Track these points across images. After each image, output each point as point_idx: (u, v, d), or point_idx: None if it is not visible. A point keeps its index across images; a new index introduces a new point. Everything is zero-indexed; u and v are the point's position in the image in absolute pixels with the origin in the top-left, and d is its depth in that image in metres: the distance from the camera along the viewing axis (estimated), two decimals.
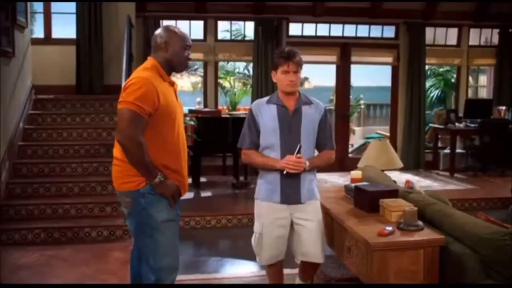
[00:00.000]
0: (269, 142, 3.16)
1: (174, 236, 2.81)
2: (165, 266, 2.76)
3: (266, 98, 3.30)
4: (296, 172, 3.08)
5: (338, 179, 6.95)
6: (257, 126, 3.20)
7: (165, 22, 8.11)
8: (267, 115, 3.18)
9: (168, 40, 2.79)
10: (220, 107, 9.25)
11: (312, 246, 3.19)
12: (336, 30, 8.75)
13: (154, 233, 2.73)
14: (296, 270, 3.53)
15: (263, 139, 3.19)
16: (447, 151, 8.75)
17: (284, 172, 3.07)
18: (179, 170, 2.82)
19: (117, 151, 2.79)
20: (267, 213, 3.20)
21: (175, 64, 2.85)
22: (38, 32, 7.63)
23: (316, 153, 3.29)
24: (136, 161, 2.66)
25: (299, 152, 3.08)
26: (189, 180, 3.88)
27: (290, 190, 3.14)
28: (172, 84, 2.87)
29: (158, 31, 2.87)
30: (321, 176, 4.90)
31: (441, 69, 12.28)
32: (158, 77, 2.75)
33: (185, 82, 13.64)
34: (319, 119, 3.21)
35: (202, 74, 9.72)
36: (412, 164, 8.67)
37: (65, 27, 7.27)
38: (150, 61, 2.83)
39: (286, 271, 3.49)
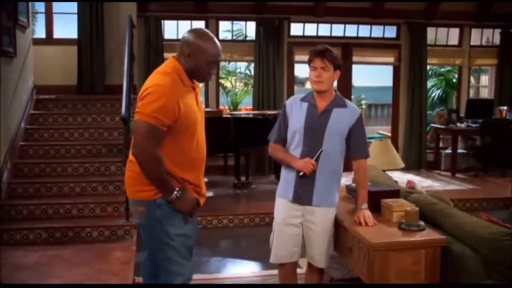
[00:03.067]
0: (293, 139, 3.13)
1: (188, 253, 2.64)
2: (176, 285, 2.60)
3: (302, 95, 3.24)
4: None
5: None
6: (286, 122, 3.18)
7: (167, 22, 8.15)
8: (297, 112, 3.14)
9: (193, 52, 2.54)
10: (221, 107, 9.27)
11: (316, 250, 3.16)
12: (338, 30, 8.76)
13: (167, 249, 2.56)
14: (302, 270, 3.52)
15: (289, 136, 3.17)
16: (448, 151, 8.74)
17: (300, 174, 3.06)
18: (197, 181, 2.66)
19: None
20: (281, 210, 3.20)
21: (194, 75, 2.62)
22: (40, 32, 7.64)
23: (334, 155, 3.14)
24: (151, 176, 2.49)
25: (318, 157, 3.04)
26: None
27: (303, 190, 3.10)
28: (194, 88, 2.65)
29: (189, 37, 2.58)
30: None
31: (442, 69, 12.28)
32: (179, 82, 2.54)
33: None
34: (351, 124, 3.11)
35: None
36: (414, 164, 8.68)
37: (66, 27, 7.27)
38: (172, 63, 2.60)
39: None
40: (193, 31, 2.63)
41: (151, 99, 2.44)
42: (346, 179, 3.36)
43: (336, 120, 3.09)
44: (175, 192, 2.52)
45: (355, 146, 3.15)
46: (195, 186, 2.65)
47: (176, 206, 2.55)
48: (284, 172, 3.23)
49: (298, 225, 3.17)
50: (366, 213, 3.13)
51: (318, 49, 3.06)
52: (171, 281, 2.60)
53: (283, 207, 3.19)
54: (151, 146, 2.44)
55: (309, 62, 3.09)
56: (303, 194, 3.11)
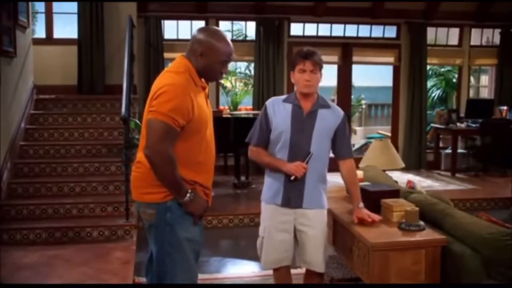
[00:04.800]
0: (278, 141, 3.08)
1: (195, 258, 2.58)
2: None
3: (283, 96, 3.21)
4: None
5: (339, 179, 7.01)
6: (268, 124, 3.12)
7: (167, 22, 8.15)
8: (281, 113, 3.09)
9: (206, 51, 2.49)
10: (221, 107, 9.26)
11: (313, 255, 3.11)
12: (338, 30, 8.76)
13: (175, 252, 2.50)
14: (299, 270, 3.51)
15: (273, 137, 3.11)
16: (448, 151, 8.75)
17: (292, 178, 3.01)
18: (207, 183, 2.62)
19: (142, 155, 2.48)
20: (270, 216, 3.14)
21: (205, 74, 2.57)
22: (40, 32, 7.64)
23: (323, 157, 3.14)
24: (165, 178, 2.42)
25: (309, 160, 3.01)
26: None
27: (293, 193, 3.06)
28: (204, 88, 2.60)
29: (201, 35, 2.53)
30: None
31: (442, 69, 12.27)
32: (191, 82, 2.48)
33: None
34: (336, 125, 3.10)
35: None
36: (414, 164, 8.68)
37: (66, 27, 7.28)
38: (183, 62, 2.53)
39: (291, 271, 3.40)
40: (204, 30, 2.60)
41: (166, 98, 2.37)
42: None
43: (322, 121, 3.07)
44: (188, 195, 2.46)
45: (341, 146, 3.14)
46: (205, 188, 2.61)
47: (188, 208, 2.49)
48: (269, 177, 3.17)
49: (289, 231, 3.11)
50: (368, 212, 3.11)
51: (305, 52, 3.02)
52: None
53: (271, 213, 3.13)
54: (167, 148, 2.37)
55: (295, 64, 3.03)
56: (292, 198, 3.07)
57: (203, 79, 2.60)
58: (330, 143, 3.12)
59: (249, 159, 3.29)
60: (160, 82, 2.47)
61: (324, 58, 3.23)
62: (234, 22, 8.95)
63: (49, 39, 7.20)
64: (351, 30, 8.78)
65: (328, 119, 3.09)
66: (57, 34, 7.26)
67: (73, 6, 6.98)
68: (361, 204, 3.15)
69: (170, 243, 2.50)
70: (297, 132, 3.05)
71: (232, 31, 9.06)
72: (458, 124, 8.44)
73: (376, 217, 3.11)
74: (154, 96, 2.42)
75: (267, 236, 3.14)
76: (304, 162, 3.00)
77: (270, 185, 3.16)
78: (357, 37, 8.84)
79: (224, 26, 8.77)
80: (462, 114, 8.74)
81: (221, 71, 2.59)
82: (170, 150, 2.39)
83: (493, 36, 9.49)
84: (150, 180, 2.46)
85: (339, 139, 3.13)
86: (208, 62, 2.51)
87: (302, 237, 3.11)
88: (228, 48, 2.54)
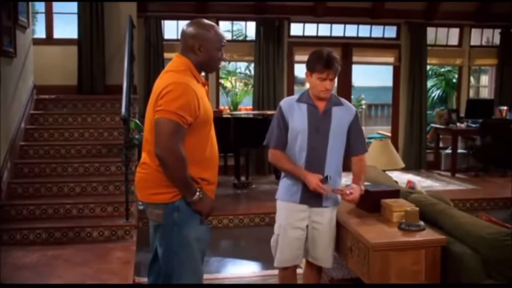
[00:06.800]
0: (295, 141, 3.08)
1: (201, 258, 2.60)
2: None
3: (295, 96, 3.20)
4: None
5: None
6: (286, 124, 3.11)
7: (167, 22, 8.15)
8: (297, 114, 3.09)
9: (202, 44, 2.51)
10: (221, 107, 9.27)
11: (324, 251, 3.16)
12: (338, 30, 8.76)
13: (182, 252, 2.50)
14: (300, 271, 3.51)
15: (291, 138, 3.11)
16: (448, 151, 8.74)
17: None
18: (214, 180, 2.64)
19: (148, 156, 2.50)
20: (286, 214, 3.15)
21: (207, 66, 2.61)
22: (40, 32, 7.64)
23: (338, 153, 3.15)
24: (176, 177, 2.41)
25: (325, 181, 3.02)
26: None
27: (312, 193, 3.04)
28: (204, 84, 2.62)
29: (190, 30, 2.54)
30: None
31: (442, 69, 12.27)
32: (193, 80, 2.50)
33: None
34: (350, 122, 3.12)
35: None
36: (414, 164, 8.68)
37: (66, 27, 7.27)
38: (182, 60, 2.54)
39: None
40: (193, 24, 2.58)
41: (172, 97, 2.37)
42: (346, 179, 3.35)
43: (337, 119, 3.09)
44: (197, 193, 2.47)
45: (356, 142, 3.16)
46: (211, 184, 2.62)
47: (197, 207, 2.49)
48: (287, 176, 3.17)
49: (303, 228, 3.14)
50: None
51: (326, 60, 2.96)
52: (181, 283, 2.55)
53: (288, 211, 3.14)
54: (178, 146, 2.37)
55: (314, 70, 2.99)
56: (311, 197, 3.07)
57: (202, 76, 2.61)
58: (345, 140, 3.13)
59: (269, 162, 3.28)
60: (163, 81, 2.46)
61: None
62: (234, 22, 8.96)
63: (49, 39, 7.20)
64: (351, 30, 8.78)
65: (342, 117, 3.11)
66: (57, 34, 7.26)
67: (73, 6, 6.98)
68: (362, 187, 3.16)
69: (179, 243, 2.50)
70: (314, 132, 3.06)
71: (232, 31, 9.07)
72: (458, 124, 8.44)
73: (355, 194, 3.07)
74: (159, 96, 2.41)
75: (282, 233, 3.16)
76: (322, 182, 2.99)
77: (288, 184, 3.16)
78: (357, 37, 8.84)
79: (224, 26, 8.77)
80: (462, 114, 8.74)
81: (220, 57, 2.62)
82: (181, 148, 2.38)
83: (493, 36, 9.49)
84: (157, 181, 2.46)
85: (353, 136, 3.14)
86: (208, 53, 2.53)
87: (315, 234, 3.14)
88: (219, 34, 2.58)
